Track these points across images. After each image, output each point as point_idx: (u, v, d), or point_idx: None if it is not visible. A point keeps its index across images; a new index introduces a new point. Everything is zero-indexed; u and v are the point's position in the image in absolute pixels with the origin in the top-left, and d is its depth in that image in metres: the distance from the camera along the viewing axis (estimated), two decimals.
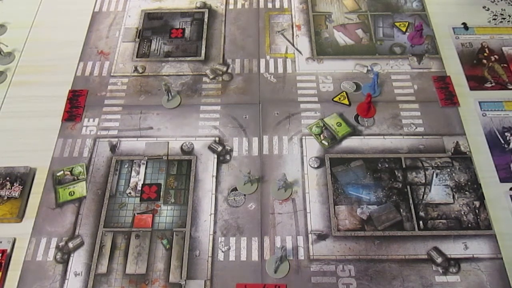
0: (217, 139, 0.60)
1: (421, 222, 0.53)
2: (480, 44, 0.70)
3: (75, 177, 0.57)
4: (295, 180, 0.57)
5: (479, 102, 0.63)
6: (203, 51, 0.69)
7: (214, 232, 0.53)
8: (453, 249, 0.51)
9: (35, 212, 0.55)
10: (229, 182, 0.57)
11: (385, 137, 0.60)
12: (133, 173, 0.57)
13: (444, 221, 0.53)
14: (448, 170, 0.57)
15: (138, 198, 0.55)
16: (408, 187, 0.56)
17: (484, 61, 0.68)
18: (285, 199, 0.55)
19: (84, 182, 0.57)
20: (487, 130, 0.61)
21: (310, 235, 0.53)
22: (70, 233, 0.53)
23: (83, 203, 0.55)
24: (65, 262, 0.51)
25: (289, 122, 0.62)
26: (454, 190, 0.55)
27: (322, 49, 0.69)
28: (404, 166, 0.57)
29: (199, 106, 0.63)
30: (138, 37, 0.71)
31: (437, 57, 0.68)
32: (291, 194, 0.55)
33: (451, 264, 0.50)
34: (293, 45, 0.70)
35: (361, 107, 0.62)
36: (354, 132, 0.61)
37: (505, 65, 0.67)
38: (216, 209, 0.55)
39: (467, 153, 0.58)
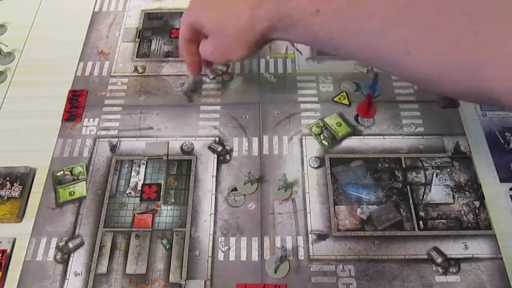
0: (217, 139, 0.60)
1: (421, 222, 0.53)
2: None
3: (75, 177, 0.57)
4: (295, 180, 0.57)
5: None
6: None
7: (214, 232, 0.53)
8: (453, 249, 0.51)
9: (35, 212, 0.55)
10: (229, 182, 0.57)
11: (385, 137, 0.60)
12: (133, 173, 0.57)
13: (444, 221, 0.53)
14: (448, 170, 0.57)
15: (138, 198, 0.56)
16: (408, 187, 0.56)
17: None
18: (285, 199, 0.55)
19: (84, 182, 0.57)
20: (487, 130, 0.61)
21: (310, 235, 0.53)
22: (70, 233, 0.53)
23: (83, 203, 0.55)
24: (65, 262, 0.51)
25: (289, 122, 0.62)
26: (454, 190, 0.55)
27: None
28: (404, 166, 0.57)
29: (199, 106, 0.63)
30: (138, 37, 0.71)
31: None
32: (291, 194, 0.55)
33: (451, 264, 0.50)
34: (293, 45, 0.70)
35: (361, 107, 0.62)
36: (354, 132, 0.61)
37: None
38: (216, 209, 0.55)
39: (467, 153, 0.58)
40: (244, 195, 0.56)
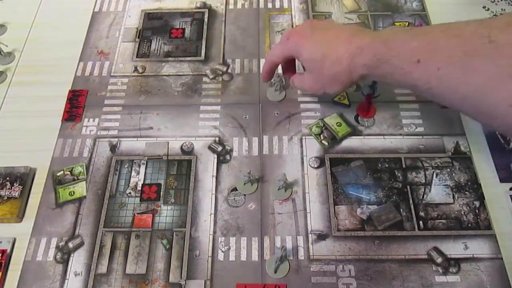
0: (217, 139, 0.60)
1: (421, 222, 0.53)
2: None
3: (75, 177, 0.57)
4: (295, 180, 0.57)
5: None
6: (203, 51, 0.69)
7: (214, 232, 0.53)
8: (453, 249, 0.51)
9: (35, 212, 0.55)
10: (229, 182, 0.57)
11: (385, 137, 0.60)
12: (133, 173, 0.57)
13: (444, 221, 0.53)
14: (448, 170, 0.57)
15: (138, 198, 0.56)
16: (408, 187, 0.56)
17: None
18: (285, 199, 0.55)
19: (84, 182, 0.57)
20: (487, 130, 0.60)
21: (310, 235, 0.53)
22: (70, 233, 0.53)
23: (83, 203, 0.55)
24: (65, 262, 0.51)
25: (289, 122, 0.62)
26: (454, 190, 0.55)
27: None
28: (404, 166, 0.57)
29: (199, 106, 0.63)
30: (138, 37, 0.71)
31: None
32: (291, 194, 0.55)
33: (451, 264, 0.50)
34: None
35: (361, 107, 0.62)
36: (354, 132, 0.61)
37: None
38: (216, 209, 0.55)
39: (467, 153, 0.58)
40: (244, 195, 0.56)
